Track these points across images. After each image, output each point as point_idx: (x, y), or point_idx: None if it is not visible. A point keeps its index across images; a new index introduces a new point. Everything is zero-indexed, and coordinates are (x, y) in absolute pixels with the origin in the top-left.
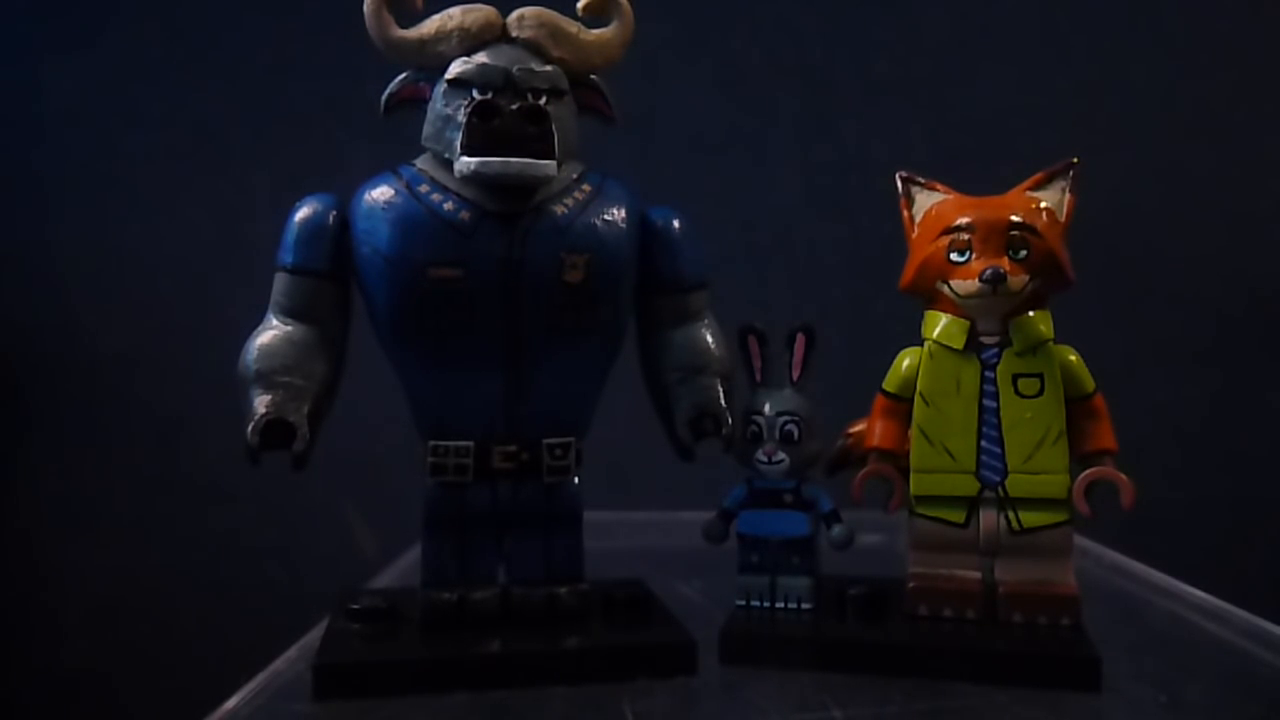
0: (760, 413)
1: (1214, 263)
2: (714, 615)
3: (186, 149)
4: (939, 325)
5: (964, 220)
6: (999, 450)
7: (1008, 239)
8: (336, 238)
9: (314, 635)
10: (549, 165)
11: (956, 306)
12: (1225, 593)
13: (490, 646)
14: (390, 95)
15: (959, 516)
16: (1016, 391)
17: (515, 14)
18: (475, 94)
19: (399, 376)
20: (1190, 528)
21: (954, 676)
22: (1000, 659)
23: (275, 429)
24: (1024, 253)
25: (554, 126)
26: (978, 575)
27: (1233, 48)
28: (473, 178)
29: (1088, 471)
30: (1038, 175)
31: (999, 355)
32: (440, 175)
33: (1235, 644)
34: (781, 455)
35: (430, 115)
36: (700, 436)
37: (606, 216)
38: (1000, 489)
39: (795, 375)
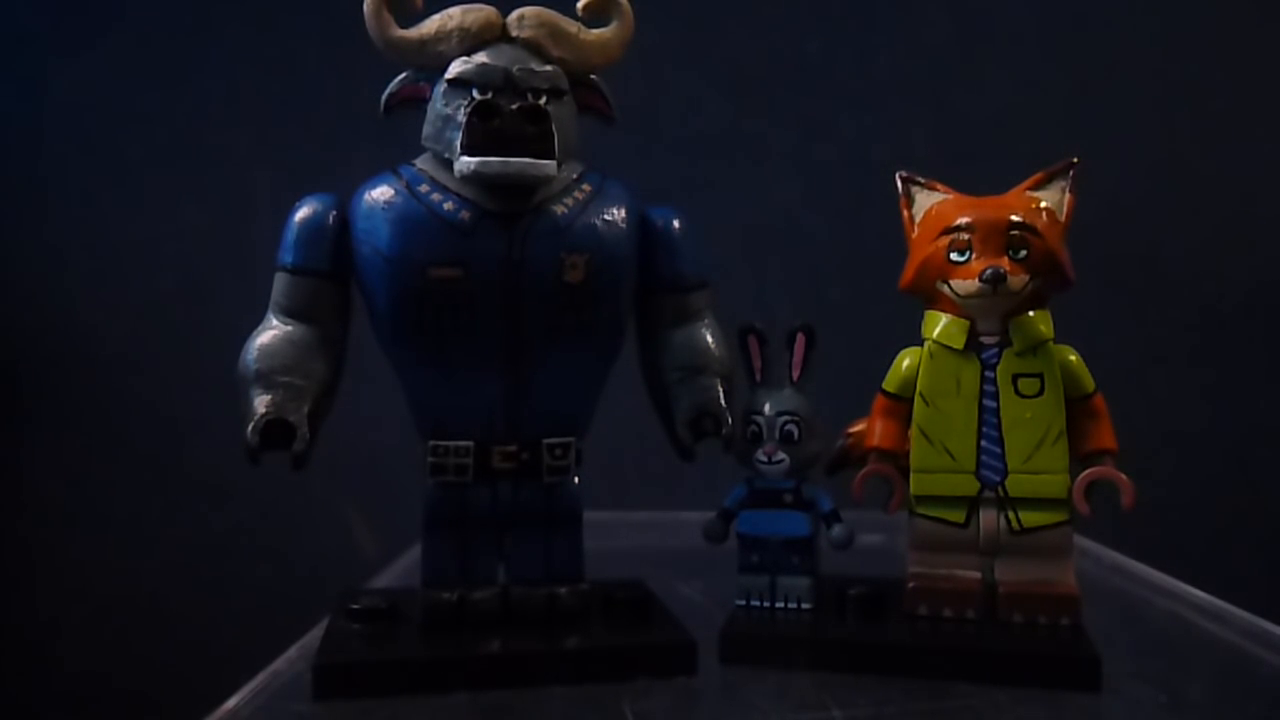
0: (760, 413)
1: (1214, 263)
2: (714, 615)
3: (186, 149)
4: (939, 325)
5: (964, 220)
6: (999, 450)
7: (1008, 239)
8: (336, 238)
9: (314, 635)
10: (549, 165)
11: (956, 306)
12: (1225, 593)
13: (490, 646)
14: (390, 95)
15: (959, 516)
16: (1016, 391)
17: (515, 14)
18: (475, 94)
19: (399, 376)
20: (1190, 528)
21: (954, 676)
22: (1000, 659)
23: (275, 429)
24: (1024, 253)
25: (554, 126)
26: (977, 575)
27: (1233, 47)
28: (473, 178)
29: (1088, 471)
30: (1038, 175)
31: (999, 355)
32: (440, 175)
33: (1235, 644)
34: (781, 455)
35: (430, 115)
36: (700, 436)
37: (606, 216)
38: (1000, 489)
39: (795, 375)
